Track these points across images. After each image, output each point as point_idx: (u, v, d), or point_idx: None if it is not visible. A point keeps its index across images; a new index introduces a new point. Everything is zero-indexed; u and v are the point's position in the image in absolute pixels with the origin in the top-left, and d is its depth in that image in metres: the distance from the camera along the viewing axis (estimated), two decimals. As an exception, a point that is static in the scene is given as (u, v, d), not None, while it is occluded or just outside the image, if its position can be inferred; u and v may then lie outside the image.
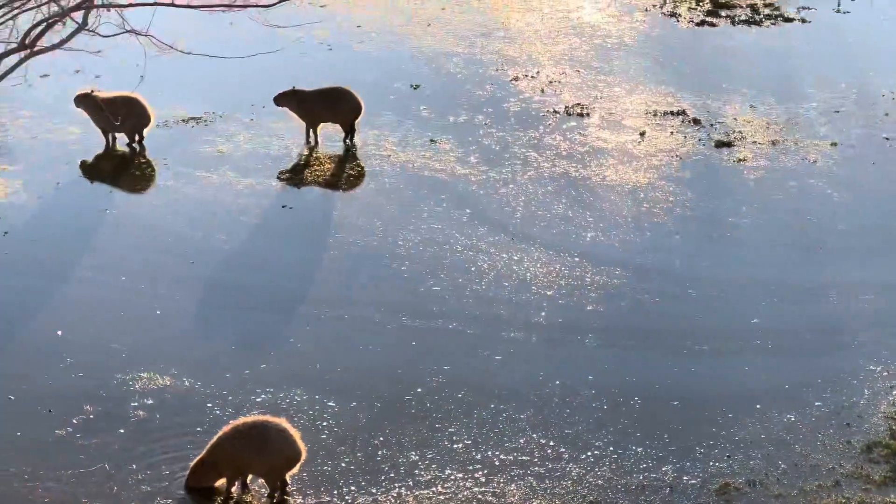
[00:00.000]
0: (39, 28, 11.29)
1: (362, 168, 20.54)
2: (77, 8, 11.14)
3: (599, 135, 21.77)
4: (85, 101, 20.88)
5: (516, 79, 24.19)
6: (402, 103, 23.02)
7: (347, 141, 21.36)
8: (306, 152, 21.07)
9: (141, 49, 14.60)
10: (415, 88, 23.74)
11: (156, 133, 21.32)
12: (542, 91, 23.61)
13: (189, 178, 20.02)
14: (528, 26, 27.28)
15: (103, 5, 11.39)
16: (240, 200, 19.33)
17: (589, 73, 24.56)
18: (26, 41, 11.15)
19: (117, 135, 21.17)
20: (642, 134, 21.78)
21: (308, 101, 21.20)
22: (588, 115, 22.59)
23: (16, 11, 11.33)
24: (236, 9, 12.09)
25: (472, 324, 16.11)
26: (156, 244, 18.03)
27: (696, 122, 22.32)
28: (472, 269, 17.37)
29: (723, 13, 28.25)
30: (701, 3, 28.81)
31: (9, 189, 19.51)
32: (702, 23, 27.63)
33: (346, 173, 20.39)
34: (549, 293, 16.79)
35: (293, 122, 21.64)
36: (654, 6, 28.68)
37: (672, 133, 21.84)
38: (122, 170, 20.50)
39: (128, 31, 11.53)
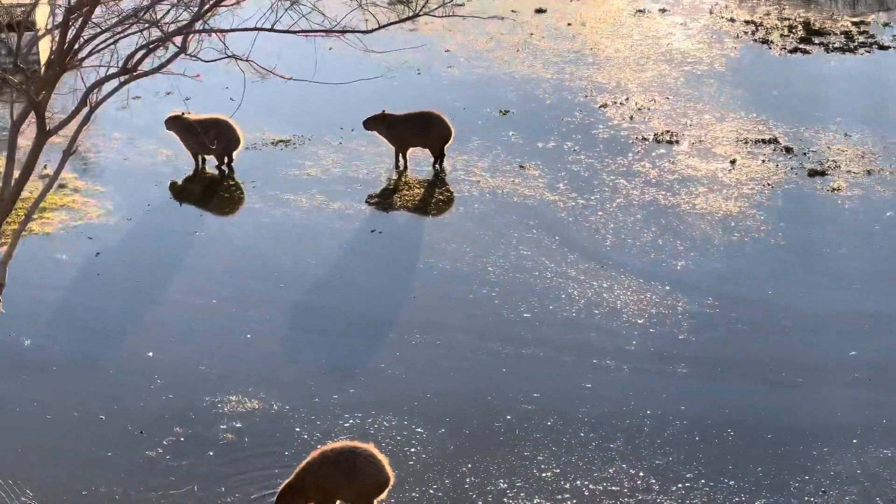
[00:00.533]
0: (141, 52, 11.44)
1: (451, 193, 20.49)
2: (178, 33, 11.26)
3: (689, 162, 21.55)
4: (176, 123, 21.05)
5: (605, 105, 24.05)
6: (491, 129, 22.97)
7: (436, 166, 21.33)
8: (395, 177, 21.08)
9: (234, 73, 14.69)
10: (503, 114, 23.68)
11: (244, 155, 21.45)
12: (631, 118, 23.44)
13: (278, 201, 20.10)
14: (618, 53, 27.13)
15: (203, 30, 11.48)
16: (329, 224, 19.37)
17: (678, 101, 24.36)
18: (128, 65, 11.29)
19: (206, 157, 21.33)
20: (733, 162, 21.53)
21: (397, 125, 21.21)
22: (678, 142, 22.38)
23: (118, 36, 11.48)
24: (335, 35, 12.11)
25: (561, 351, 15.97)
26: (245, 267, 18.10)
27: (788, 150, 22.02)
28: (562, 296, 17.23)
29: (816, 40, 27.88)
30: (794, 31, 28.47)
31: (101, 210, 19.71)
32: (794, 50, 27.28)
33: (434, 198, 20.36)
34: (639, 321, 16.61)
35: (382, 147, 21.68)
36: (745, 33, 28.39)
37: (763, 161, 21.56)
38: (211, 192, 20.65)
39: (229, 57, 11.61)
